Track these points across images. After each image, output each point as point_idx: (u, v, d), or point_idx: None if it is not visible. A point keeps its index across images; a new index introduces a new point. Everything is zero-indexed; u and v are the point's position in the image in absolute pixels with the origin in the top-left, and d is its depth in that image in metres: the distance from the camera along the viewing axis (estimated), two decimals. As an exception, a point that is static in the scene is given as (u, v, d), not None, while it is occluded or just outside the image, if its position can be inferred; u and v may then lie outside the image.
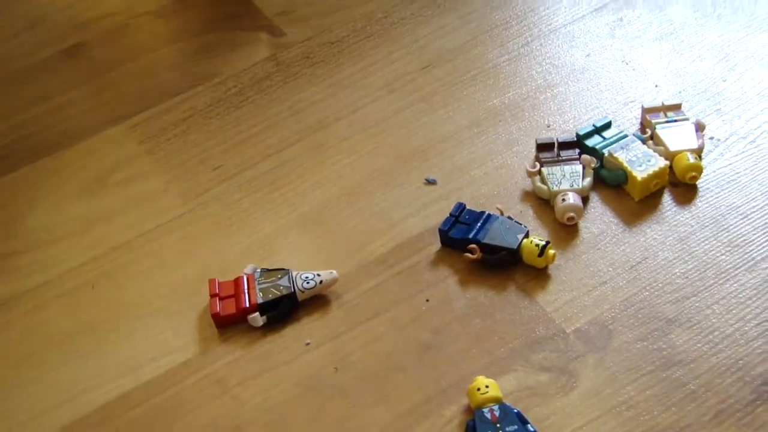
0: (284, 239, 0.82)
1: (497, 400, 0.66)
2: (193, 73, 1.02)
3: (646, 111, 0.85)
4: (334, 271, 0.76)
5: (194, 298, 0.78)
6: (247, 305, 0.74)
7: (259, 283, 0.75)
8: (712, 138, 0.84)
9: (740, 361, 0.68)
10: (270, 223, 0.83)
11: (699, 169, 0.80)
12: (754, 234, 0.76)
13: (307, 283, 0.75)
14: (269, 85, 0.99)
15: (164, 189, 0.89)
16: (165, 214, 0.86)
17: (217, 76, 1.01)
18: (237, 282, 0.76)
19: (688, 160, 0.80)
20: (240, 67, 1.02)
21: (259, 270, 0.77)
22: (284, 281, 0.75)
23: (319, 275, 0.75)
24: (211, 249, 0.82)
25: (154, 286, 0.80)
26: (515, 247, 0.75)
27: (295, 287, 0.75)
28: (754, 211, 0.78)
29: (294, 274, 0.75)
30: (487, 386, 0.67)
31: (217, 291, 0.76)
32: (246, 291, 0.75)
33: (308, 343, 0.74)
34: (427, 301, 0.75)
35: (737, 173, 0.81)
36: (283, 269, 0.76)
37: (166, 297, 0.79)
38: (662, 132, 0.82)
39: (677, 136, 0.82)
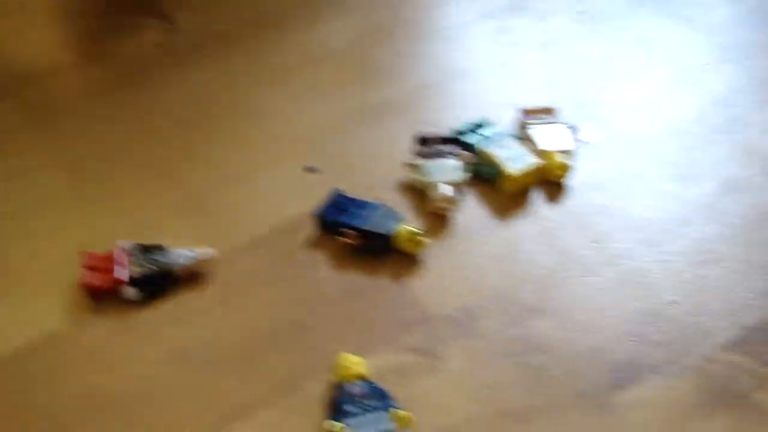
0: (163, 219, 0.82)
1: (362, 377, 0.68)
2: (83, 53, 1.02)
3: (522, 112, 0.89)
4: (210, 249, 0.77)
5: (68, 271, 0.77)
6: (121, 278, 0.74)
7: (134, 257, 0.75)
8: (582, 141, 0.88)
9: (597, 349, 0.71)
10: (150, 202, 0.84)
11: (567, 169, 0.83)
12: (615, 232, 0.80)
13: (183, 259, 0.75)
14: (158, 70, 0.99)
15: (45, 163, 0.88)
16: (44, 188, 0.86)
17: (108, 58, 1.01)
18: (111, 255, 0.76)
19: (559, 159, 0.83)
20: (129, 50, 1.02)
21: (135, 245, 0.77)
22: (160, 257, 0.76)
23: (195, 252, 0.76)
24: (89, 224, 0.82)
25: (28, 257, 0.80)
26: (390, 233, 0.78)
27: (171, 263, 0.75)
28: (616, 211, 0.82)
29: (170, 250, 0.76)
30: (353, 362, 0.69)
31: (91, 262, 0.76)
32: (120, 264, 0.75)
33: (181, 319, 0.74)
34: (303, 282, 0.77)
35: (603, 175, 0.85)
36: (159, 245, 0.77)
37: (39, 269, 0.78)
38: (536, 132, 0.86)
39: (550, 137, 0.86)
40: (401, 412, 0.65)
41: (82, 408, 0.68)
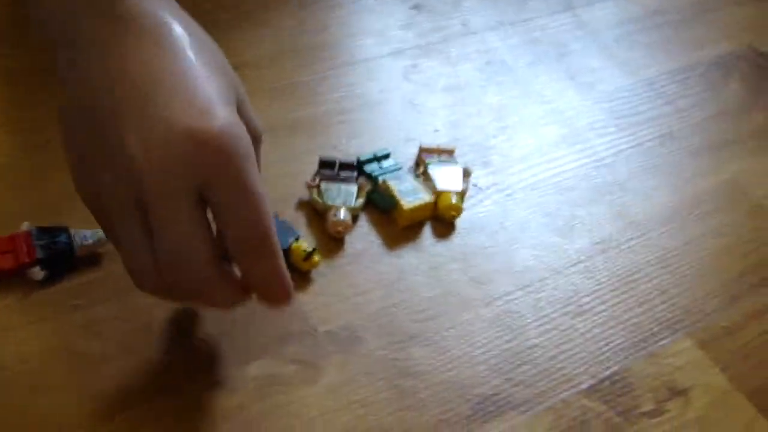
0: (68, 202, 0.83)
1: None
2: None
3: (422, 150, 0.94)
4: None
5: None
6: (27, 260, 0.76)
7: (37, 239, 0.77)
8: (475, 185, 0.93)
9: (465, 381, 0.76)
10: (57, 186, 0.85)
11: (459, 210, 0.88)
12: (495, 274, 0.85)
13: (86, 240, 0.78)
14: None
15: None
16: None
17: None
18: (13, 238, 0.77)
19: (452, 200, 0.88)
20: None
21: (35, 228, 0.79)
22: (63, 237, 0.78)
23: (97, 233, 0.78)
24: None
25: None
26: (285, 247, 0.81)
27: (74, 243, 0.77)
28: (498, 255, 0.87)
29: (72, 231, 0.78)
30: None
31: (-6, 246, 0.77)
32: (24, 246, 0.77)
33: (76, 304, 0.76)
34: (195, 283, 0.80)
35: (491, 220, 0.91)
36: (60, 227, 0.78)
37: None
38: (433, 171, 0.91)
39: (446, 177, 0.91)
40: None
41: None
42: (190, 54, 0.62)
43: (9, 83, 0.97)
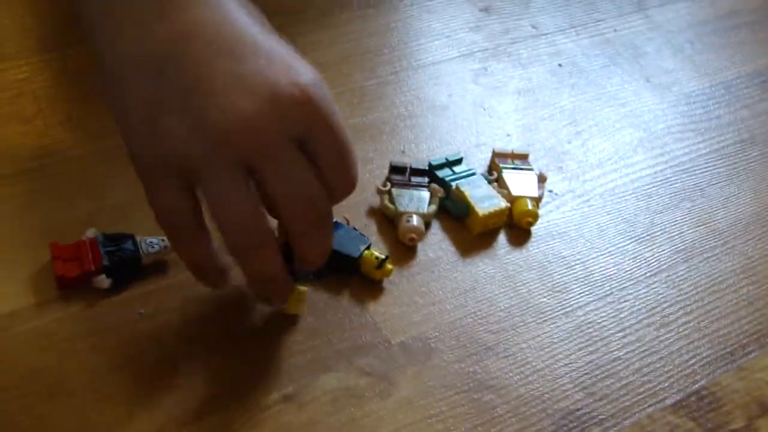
0: (134, 211, 0.81)
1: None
2: (67, 33, 1.01)
3: (495, 155, 0.91)
4: None
5: (33, 253, 0.76)
6: (93, 268, 0.74)
7: (103, 246, 0.75)
8: (551, 191, 0.90)
9: (546, 395, 0.73)
10: (122, 193, 0.83)
11: (535, 216, 0.85)
12: (574, 284, 0.82)
13: (152, 247, 0.75)
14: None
15: (18, 142, 0.88)
16: (16, 164, 0.85)
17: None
18: (78, 245, 0.75)
19: (527, 206, 0.85)
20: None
21: (100, 234, 0.77)
22: (129, 245, 0.75)
23: (164, 240, 0.76)
24: (57, 207, 0.81)
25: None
26: (356, 255, 0.78)
27: (141, 251, 0.75)
28: (577, 263, 0.84)
29: (138, 238, 0.76)
30: None
31: (59, 253, 0.75)
32: (90, 253, 0.75)
33: (141, 313, 0.74)
34: (264, 292, 0.77)
35: (567, 227, 0.87)
36: (126, 234, 0.76)
37: (3, 245, 0.78)
38: (507, 176, 0.88)
39: (520, 183, 0.87)
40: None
41: (27, 391, 0.68)
42: (254, 19, 0.63)
43: (72, 83, 0.95)
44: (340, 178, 0.62)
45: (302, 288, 0.74)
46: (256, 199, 0.60)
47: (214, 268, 0.66)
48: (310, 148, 0.60)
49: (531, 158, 0.91)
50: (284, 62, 0.60)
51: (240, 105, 0.57)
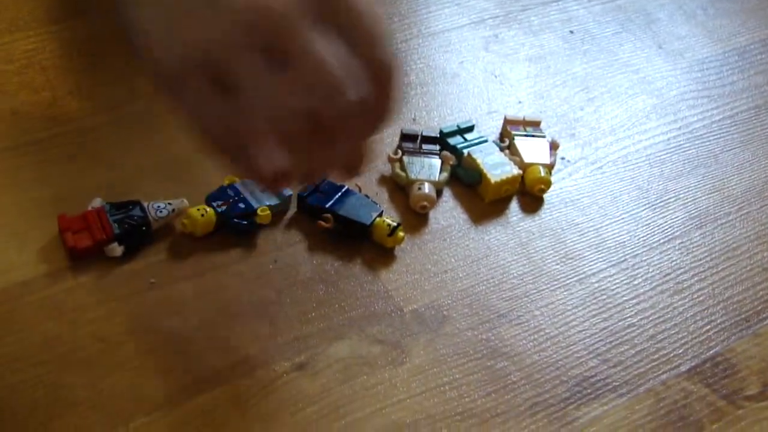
0: (140, 181, 0.81)
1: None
2: (75, 4, 1.00)
3: (507, 122, 0.90)
4: (185, 200, 0.76)
5: (44, 222, 0.76)
6: (104, 237, 0.73)
7: (111, 215, 0.75)
8: (563, 158, 0.89)
9: (559, 362, 0.72)
10: (129, 163, 0.83)
11: (548, 183, 0.84)
12: (588, 251, 0.81)
13: (160, 212, 0.75)
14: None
15: (26, 111, 0.87)
16: (26, 135, 0.84)
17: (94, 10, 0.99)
18: (87, 216, 0.75)
19: (540, 173, 0.84)
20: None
21: (107, 204, 0.76)
22: (137, 211, 0.75)
23: (171, 204, 0.76)
24: (67, 177, 0.81)
25: (2, 204, 0.78)
26: (368, 223, 0.78)
27: (149, 216, 0.75)
28: (590, 231, 0.83)
29: (146, 204, 0.76)
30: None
31: (68, 225, 0.74)
32: (99, 223, 0.74)
33: (153, 282, 0.74)
34: (276, 261, 0.77)
35: (580, 194, 0.86)
36: (132, 201, 0.76)
37: (14, 216, 0.77)
38: (520, 143, 0.87)
39: (532, 150, 0.87)
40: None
41: (41, 360, 0.68)
42: None
43: (80, 54, 0.94)
44: (373, 56, 0.57)
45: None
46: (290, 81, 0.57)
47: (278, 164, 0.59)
48: (340, 23, 0.56)
49: (543, 125, 0.90)
50: None
51: None
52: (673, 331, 0.76)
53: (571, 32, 1.06)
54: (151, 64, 0.58)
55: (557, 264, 0.79)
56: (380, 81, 0.59)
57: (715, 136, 0.95)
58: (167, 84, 0.58)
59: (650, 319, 0.76)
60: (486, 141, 0.87)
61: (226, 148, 0.60)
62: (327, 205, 0.79)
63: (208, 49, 0.56)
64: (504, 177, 0.83)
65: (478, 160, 0.84)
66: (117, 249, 0.74)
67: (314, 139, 0.59)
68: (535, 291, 0.77)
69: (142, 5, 0.58)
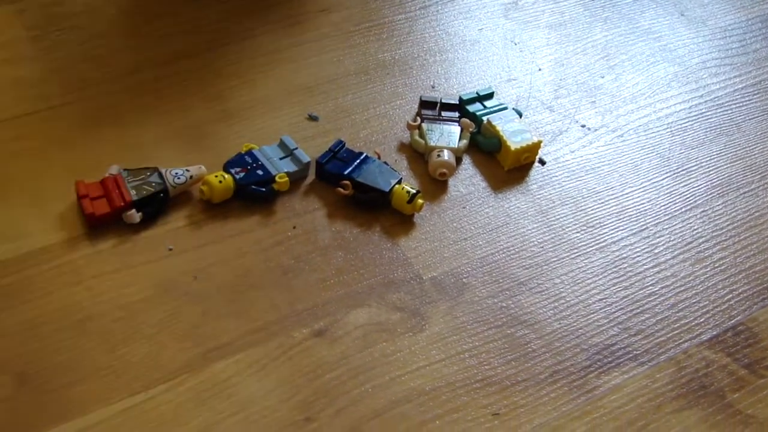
0: (157, 147, 0.81)
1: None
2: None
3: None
4: (203, 166, 0.76)
5: (62, 189, 0.76)
6: (123, 203, 0.73)
7: (128, 182, 0.74)
8: (584, 126, 0.88)
9: (580, 330, 0.72)
10: (146, 130, 0.82)
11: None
12: (608, 219, 0.81)
13: (178, 178, 0.75)
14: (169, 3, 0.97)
15: (45, 78, 0.87)
16: (44, 101, 0.84)
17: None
18: (105, 182, 0.75)
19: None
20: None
21: (124, 170, 0.76)
22: (155, 178, 0.75)
23: (188, 170, 0.75)
24: (83, 143, 0.81)
25: (23, 169, 0.78)
26: (387, 190, 0.77)
27: (167, 182, 0.74)
28: (611, 199, 0.82)
29: (163, 170, 0.75)
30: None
31: (86, 191, 0.74)
32: (117, 189, 0.74)
33: (171, 249, 0.74)
34: (294, 228, 0.76)
35: (601, 162, 0.86)
36: (150, 167, 0.76)
37: (33, 181, 0.77)
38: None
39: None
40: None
41: (60, 326, 0.67)
42: None
43: (100, 20, 0.94)
44: None
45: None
46: None
47: None
48: None
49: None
50: None
51: None
52: (694, 300, 0.75)
53: (592, -1, 1.05)
54: None
55: (577, 232, 0.79)
56: None
57: (738, 105, 0.94)
58: None
59: (671, 287, 0.76)
60: (506, 108, 0.86)
61: None
62: (346, 172, 0.78)
63: None
64: (524, 144, 0.82)
65: (498, 127, 0.83)
66: (135, 215, 0.73)
67: None
68: (555, 259, 0.76)
69: None
